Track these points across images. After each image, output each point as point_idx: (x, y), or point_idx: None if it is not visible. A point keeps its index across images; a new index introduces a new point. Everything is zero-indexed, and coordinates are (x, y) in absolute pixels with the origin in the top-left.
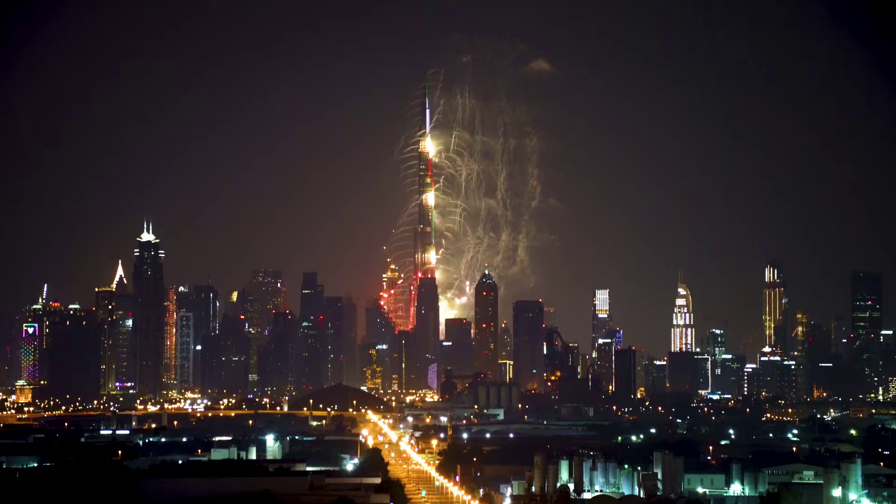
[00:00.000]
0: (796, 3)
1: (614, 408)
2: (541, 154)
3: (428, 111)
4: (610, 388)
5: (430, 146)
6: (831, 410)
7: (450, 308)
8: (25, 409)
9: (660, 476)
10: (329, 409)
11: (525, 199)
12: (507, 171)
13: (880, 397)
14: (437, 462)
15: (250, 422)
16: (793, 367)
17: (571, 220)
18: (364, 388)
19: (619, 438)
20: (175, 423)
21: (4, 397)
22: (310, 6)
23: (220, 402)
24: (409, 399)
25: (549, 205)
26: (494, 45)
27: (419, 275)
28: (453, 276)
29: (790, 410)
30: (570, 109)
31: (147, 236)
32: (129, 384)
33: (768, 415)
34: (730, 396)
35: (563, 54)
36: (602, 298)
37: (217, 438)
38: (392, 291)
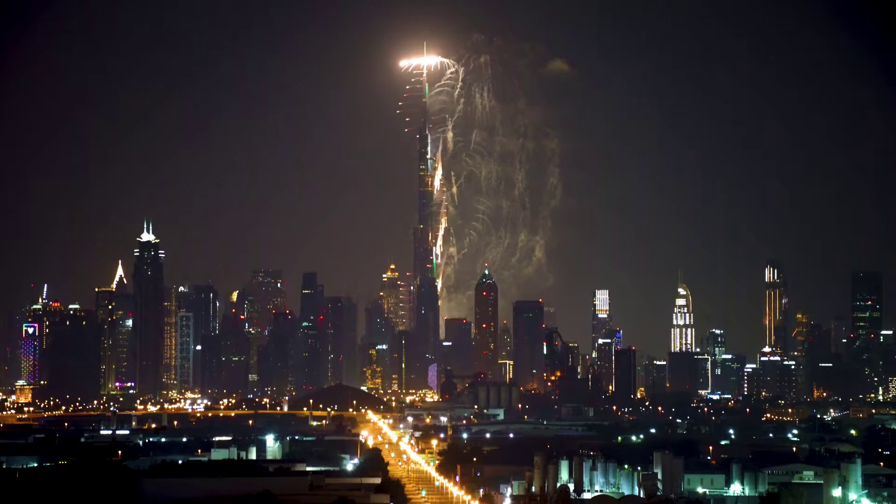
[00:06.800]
0: (808, 4)
1: (614, 408)
2: (558, 154)
3: (427, 114)
4: (610, 388)
5: (430, 149)
6: (831, 410)
7: (455, 308)
8: (25, 409)
9: (660, 476)
10: (329, 409)
11: (544, 198)
12: (524, 170)
13: (880, 397)
14: (437, 462)
15: (250, 422)
16: (793, 367)
17: (571, 220)
18: (364, 388)
19: (619, 438)
20: (175, 423)
21: (4, 397)
22: (314, 5)
23: (220, 402)
24: (409, 399)
25: (566, 204)
26: (513, 46)
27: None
28: (465, 277)
29: (790, 410)
30: (584, 110)
31: (147, 236)
32: (129, 384)
33: (768, 415)
34: (730, 396)
35: (582, 55)
36: (602, 298)
37: (217, 438)
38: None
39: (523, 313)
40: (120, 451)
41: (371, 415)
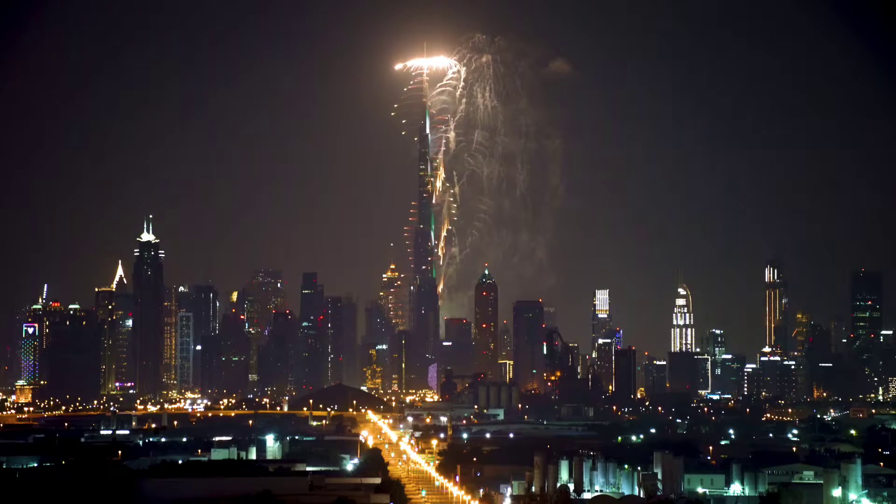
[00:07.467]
0: (810, 4)
1: (614, 408)
2: (559, 154)
3: (428, 114)
4: (610, 388)
5: (431, 149)
6: (831, 410)
7: (455, 308)
8: (25, 409)
9: (660, 476)
10: (329, 409)
11: (546, 199)
12: (526, 170)
13: (880, 397)
14: (437, 462)
15: (250, 422)
16: (793, 367)
17: (572, 220)
18: (364, 388)
19: (619, 438)
20: (175, 423)
21: (4, 397)
22: (314, 4)
23: (220, 402)
24: (409, 399)
25: (568, 204)
26: (515, 46)
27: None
28: (467, 277)
29: (790, 410)
30: (586, 110)
31: (147, 236)
32: (129, 384)
33: (768, 415)
34: (730, 396)
35: (583, 55)
36: (602, 298)
37: (217, 438)
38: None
39: (523, 313)
40: (120, 451)
41: (371, 415)
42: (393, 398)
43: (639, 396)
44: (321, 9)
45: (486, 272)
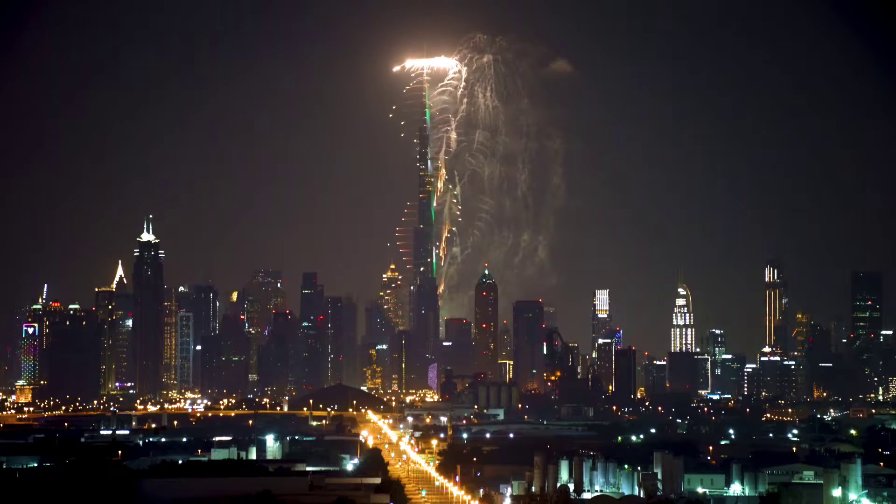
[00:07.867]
0: (814, 8)
1: (614, 408)
2: (560, 154)
3: (429, 114)
4: (610, 388)
5: (431, 149)
6: (831, 410)
7: (455, 308)
8: (25, 409)
9: (660, 476)
10: (329, 409)
11: (547, 199)
12: (527, 170)
13: (880, 397)
14: (437, 462)
15: (250, 422)
16: (793, 367)
17: (573, 220)
18: (364, 388)
19: (619, 438)
20: (175, 423)
21: (4, 397)
22: (314, 4)
23: (220, 402)
24: (409, 399)
25: (568, 204)
26: (516, 46)
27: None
28: (469, 277)
29: (790, 410)
30: (587, 110)
31: (147, 236)
32: (129, 384)
33: (768, 415)
34: (730, 396)
35: (584, 55)
36: (602, 298)
37: (217, 438)
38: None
39: (523, 313)
40: (120, 451)
41: (371, 415)
42: (393, 398)
43: (639, 396)
44: (321, 9)
45: (487, 272)
